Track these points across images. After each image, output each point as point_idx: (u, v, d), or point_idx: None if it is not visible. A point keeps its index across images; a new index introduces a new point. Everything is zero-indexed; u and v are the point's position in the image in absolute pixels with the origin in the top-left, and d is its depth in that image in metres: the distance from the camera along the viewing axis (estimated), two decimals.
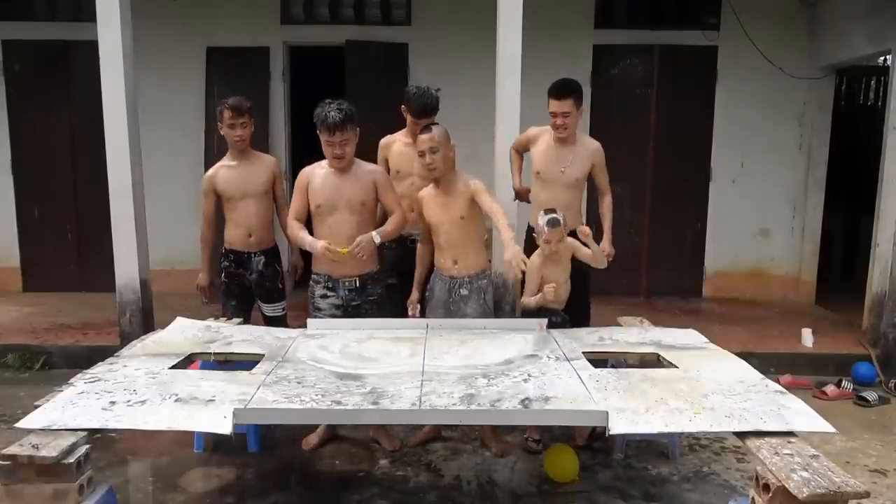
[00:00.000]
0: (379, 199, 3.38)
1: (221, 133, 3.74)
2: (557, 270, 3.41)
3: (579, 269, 3.50)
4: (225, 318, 3.63)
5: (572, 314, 3.50)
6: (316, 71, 6.80)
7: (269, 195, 3.82)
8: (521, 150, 3.86)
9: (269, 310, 3.90)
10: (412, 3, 6.18)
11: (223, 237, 3.83)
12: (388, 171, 3.72)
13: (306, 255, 3.55)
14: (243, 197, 3.73)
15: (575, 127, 3.60)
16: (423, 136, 3.24)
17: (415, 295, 3.52)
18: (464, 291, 3.38)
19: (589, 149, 3.68)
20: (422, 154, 3.25)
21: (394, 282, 3.70)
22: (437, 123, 3.41)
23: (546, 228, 3.27)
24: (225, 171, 3.75)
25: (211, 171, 3.79)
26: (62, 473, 2.03)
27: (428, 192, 3.40)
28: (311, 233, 3.34)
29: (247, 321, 3.75)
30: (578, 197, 3.75)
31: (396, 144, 3.78)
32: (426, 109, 3.60)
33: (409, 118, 3.67)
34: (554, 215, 3.30)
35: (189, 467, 3.31)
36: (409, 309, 3.51)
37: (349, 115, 3.19)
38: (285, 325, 3.79)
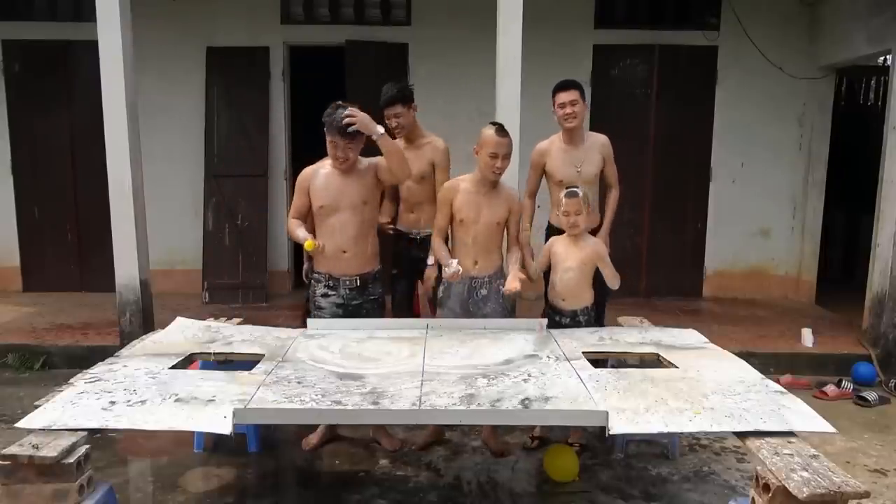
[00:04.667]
0: (379, 165, 3.26)
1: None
2: (574, 255, 3.38)
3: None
4: (225, 319, 3.63)
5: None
6: (316, 71, 6.80)
7: None
8: (539, 171, 3.77)
9: None
10: (412, 3, 6.18)
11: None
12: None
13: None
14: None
15: (582, 119, 3.65)
16: (504, 140, 3.23)
17: (447, 259, 3.27)
18: (483, 292, 3.39)
19: (598, 143, 3.73)
20: (495, 157, 3.22)
21: (396, 272, 3.81)
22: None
23: (563, 199, 3.35)
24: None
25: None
26: (62, 473, 2.03)
27: (468, 188, 3.35)
28: (313, 231, 3.31)
29: None
30: (596, 193, 3.78)
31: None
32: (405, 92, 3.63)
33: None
34: (574, 189, 3.39)
35: (189, 467, 3.31)
36: (448, 271, 3.20)
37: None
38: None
